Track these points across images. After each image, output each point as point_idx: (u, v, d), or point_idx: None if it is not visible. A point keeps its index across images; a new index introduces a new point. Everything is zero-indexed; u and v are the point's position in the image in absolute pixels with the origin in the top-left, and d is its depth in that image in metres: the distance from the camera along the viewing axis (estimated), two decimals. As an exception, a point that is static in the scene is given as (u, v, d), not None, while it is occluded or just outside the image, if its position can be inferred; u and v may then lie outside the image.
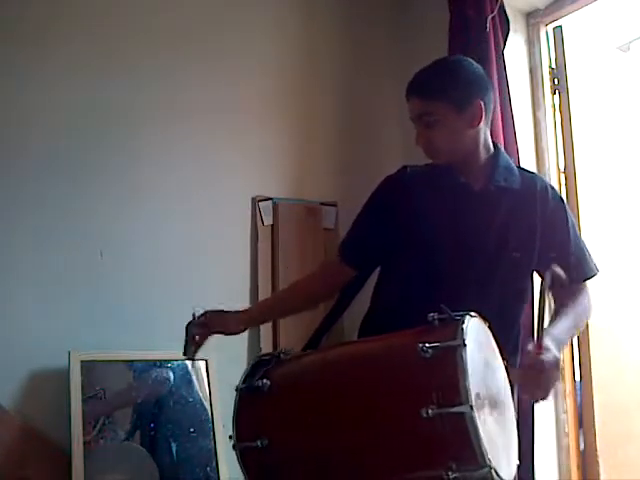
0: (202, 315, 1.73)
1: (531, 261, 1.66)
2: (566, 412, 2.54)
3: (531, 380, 1.43)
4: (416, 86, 1.66)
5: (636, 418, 2.62)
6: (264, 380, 1.41)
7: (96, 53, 2.34)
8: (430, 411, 1.19)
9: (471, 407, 1.17)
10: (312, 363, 1.54)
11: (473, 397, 1.19)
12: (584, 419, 2.55)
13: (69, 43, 2.30)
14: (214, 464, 2.23)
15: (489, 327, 1.41)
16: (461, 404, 1.18)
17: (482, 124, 1.65)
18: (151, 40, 2.45)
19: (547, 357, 1.41)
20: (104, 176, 2.32)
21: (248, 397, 1.44)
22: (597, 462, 2.48)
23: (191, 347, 1.74)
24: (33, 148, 2.21)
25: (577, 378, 2.57)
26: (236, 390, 1.47)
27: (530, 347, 1.43)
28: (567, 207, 1.76)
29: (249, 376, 1.47)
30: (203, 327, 1.74)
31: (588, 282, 1.74)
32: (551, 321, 1.62)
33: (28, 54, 2.22)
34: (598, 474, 2.47)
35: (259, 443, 1.36)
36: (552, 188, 1.76)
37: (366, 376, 1.34)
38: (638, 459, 2.57)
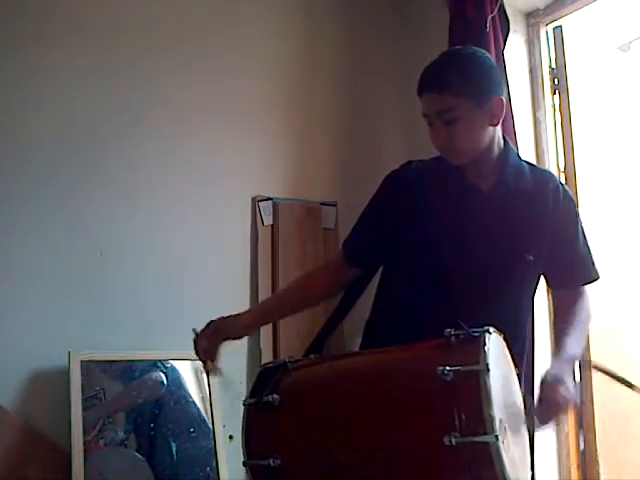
0: (205, 327, 1.69)
1: (540, 262, 1.62)
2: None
3: (545, 413, 1.44)
4: (434, 80, 1.55)
5: (636, 418, 2.61)
6: (274, 395, 1.37)
7: (95, 52, 2.33)
8: (453, 439, 1.16)
9: (496, 437, 1.15)
10: (323, 376, 1.47)
11: (497, 425, 1.16)
12: (584, 419, 2.55)
13: (67, 41, 2.30)
14: (214, 464, 2.23)
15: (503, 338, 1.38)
16: (486, 434, 1.15)
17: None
18: (150, 40, 2.44)
19: (564, 393, 1.41)
20: (104, 175, 2.31)
21: (257, 413, 1.39)
22: (597, 462, 2.48)
23: (207, 363, 1.69)
24: (32, 147, 2.21)
25: (577, 378, 2.57)
26: (244, 404, 1.42)
27: (548, 378, 1.43)
28: (577, 208, 1.71)
29: (256, 389, 1.43)
30: (210, 338, 1.68)
31: (588, 286, 1.71)
32: (557, 331, 1.62)
33: (26, 53, 2.21)
34: (598, 474, 2.47)
35: (271, 462, 1.32)
36: (564, 189, 1.69)
37: (383, 396, 1.29)
38: (638, 459, 2.57)
